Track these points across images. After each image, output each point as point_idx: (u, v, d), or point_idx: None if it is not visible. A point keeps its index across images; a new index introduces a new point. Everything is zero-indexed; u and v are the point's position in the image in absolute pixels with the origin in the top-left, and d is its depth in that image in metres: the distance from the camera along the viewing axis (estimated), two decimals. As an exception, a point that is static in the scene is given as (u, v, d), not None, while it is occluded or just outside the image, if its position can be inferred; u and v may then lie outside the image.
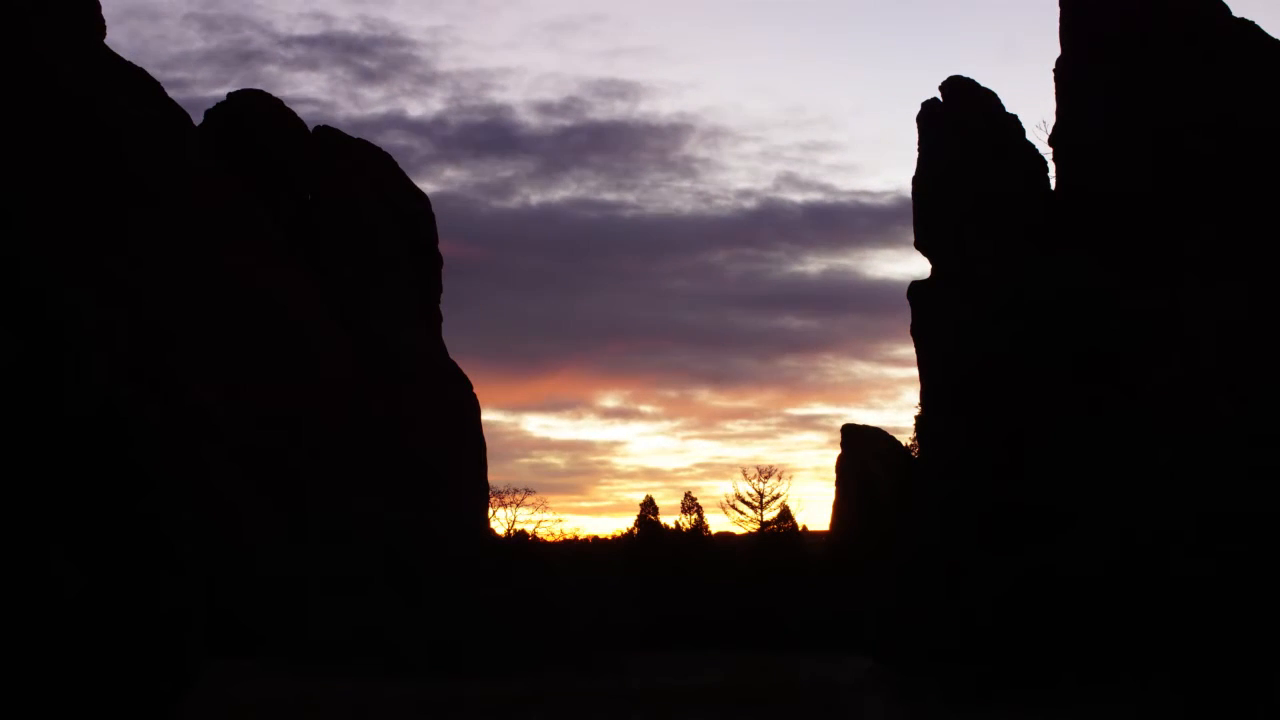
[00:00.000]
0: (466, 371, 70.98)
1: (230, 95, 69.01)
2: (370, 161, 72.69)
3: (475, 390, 70.77)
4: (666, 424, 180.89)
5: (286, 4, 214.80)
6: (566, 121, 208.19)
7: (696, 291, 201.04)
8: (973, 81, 47.46)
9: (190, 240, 55.65)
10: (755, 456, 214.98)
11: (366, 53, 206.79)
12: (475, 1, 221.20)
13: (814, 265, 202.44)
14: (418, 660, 45.59)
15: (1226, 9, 40.75)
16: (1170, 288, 36.58)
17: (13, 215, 25.49)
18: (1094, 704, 30.95)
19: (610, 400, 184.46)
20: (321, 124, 72.20)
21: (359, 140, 73.99)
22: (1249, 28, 40.25)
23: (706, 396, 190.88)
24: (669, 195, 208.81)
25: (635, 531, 78.68)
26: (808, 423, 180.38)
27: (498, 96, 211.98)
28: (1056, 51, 43.65)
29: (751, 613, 65.74)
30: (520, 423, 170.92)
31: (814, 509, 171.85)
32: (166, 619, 23.06)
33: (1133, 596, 32.55)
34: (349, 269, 66.39)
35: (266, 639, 46.83)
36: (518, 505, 74.42)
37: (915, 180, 47.87)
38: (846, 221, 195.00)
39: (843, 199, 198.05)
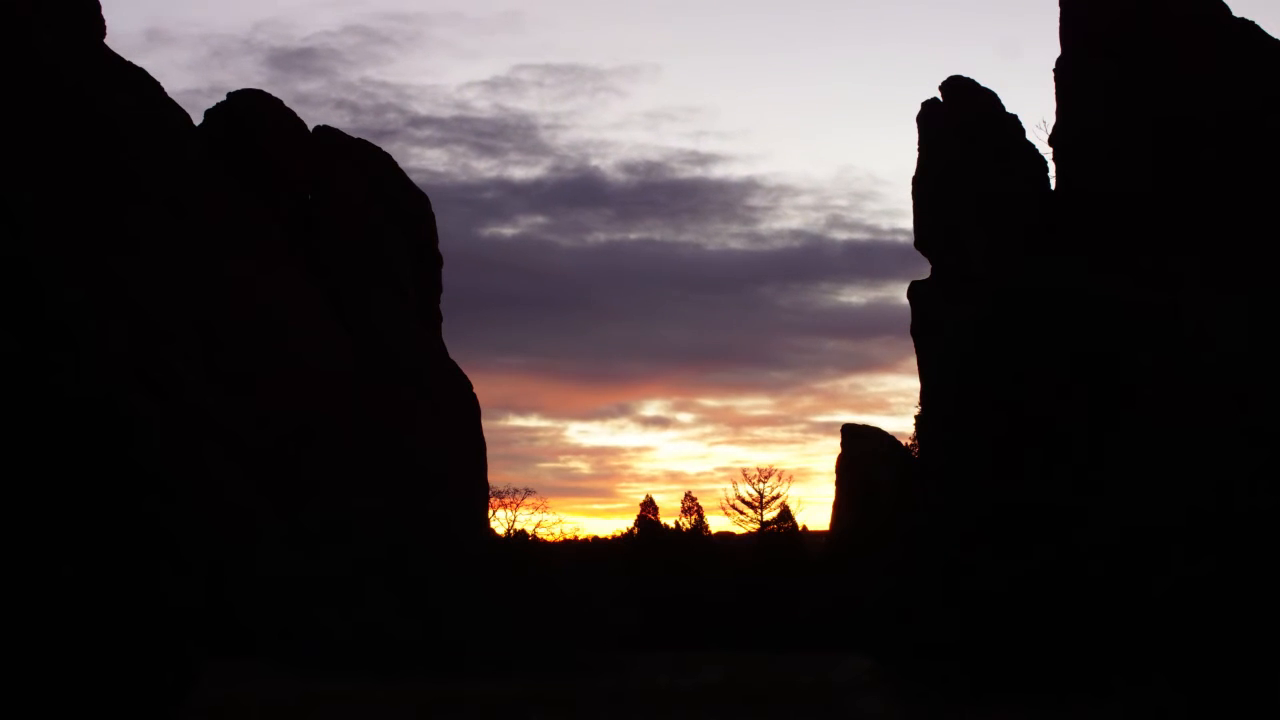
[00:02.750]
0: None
1: (230, 95, 68.86)
2: (370, 161, 72.65)
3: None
4: (696, 431, 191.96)
5: (435, 94, 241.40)
6: (647, 179, 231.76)
7: (746, 318, 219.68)
8: (973, 81, 47.50)
9: (190, 239, 55.66)
10: (777, 461, 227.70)
11: (489, 134, 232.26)
12: (595, 96, 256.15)
13: (856, 296, 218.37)
14: (418, 660, 45.61)
15: (1226, 9, 40.78)
16: (1170, 288, 36.58)
17: (13, 214, 25.50)
18: (1093, 704, 30.94)
19: (651, 409, 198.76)
20: (321, 125, 72.15)
21: (359, 140, 73.94)
22: (1249, 28, 40.28)
23: (741, 407, 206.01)
24: (727, 238, 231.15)
25: (635, 532, 78.70)
26: (833, 429, 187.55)
27: (592, 162, 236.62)
28: (1056, 51, 43.69)
29: (751, 612, 65.79)
30: (563, 429, 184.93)
31: (822, 510, 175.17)
32: (167, 619, 23.07)
33: (1132, 596, 32.55)
34: (349, 269, 66.39)
35: (266, 639, 46.82)
36: (517, 506, 74.37)
37: (915, 180, 47.89)
38: (886, 256, 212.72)
39: (884, 237, 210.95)
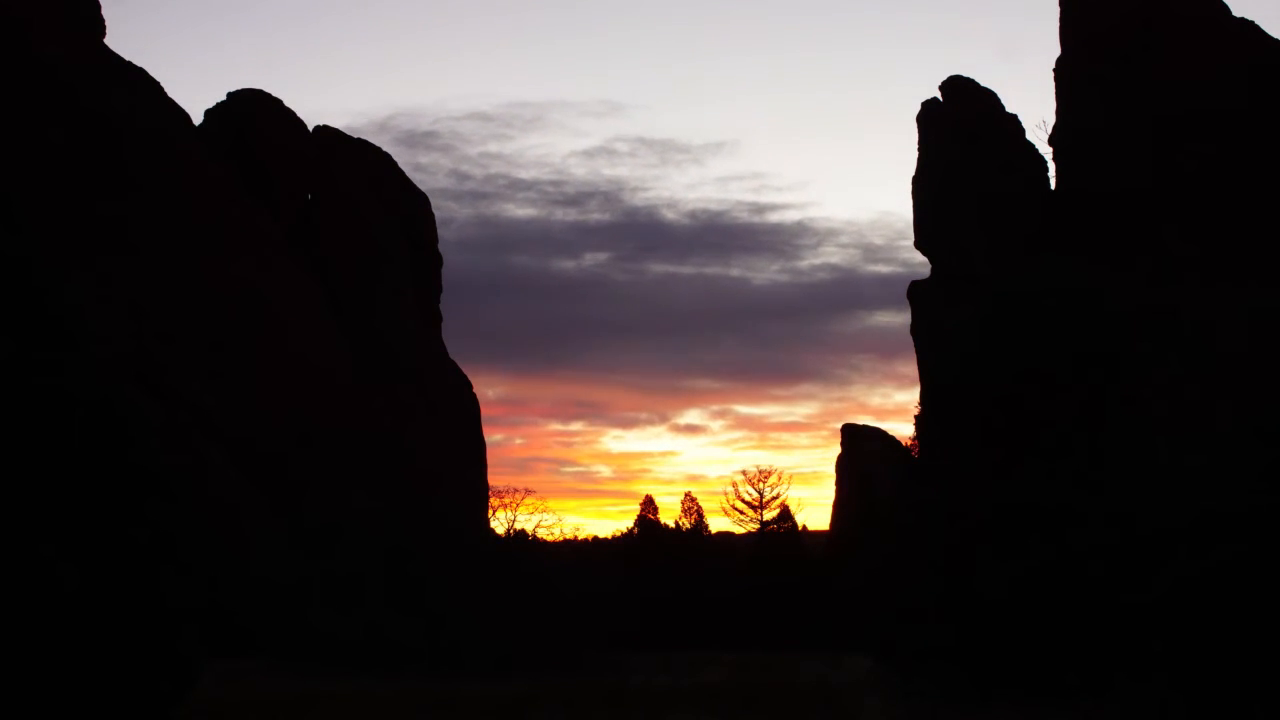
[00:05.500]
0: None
1: (230, 95, 68.78)
2: (370, 161, 72.63)
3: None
4: (724, 436, 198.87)
5: (540, 164, 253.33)
6: (708, 224, 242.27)
7: (785, 340, 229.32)
8: (973, 81, 47.53)
9: (190, 239, 55.65)
10: (795, 465, 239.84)
11: (576, 194, 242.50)
12: (680, 166, 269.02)
13: (889, 320, 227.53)
14: (418, 660, 45.61)
15: (1226, 9, 40.79)
16: (1170, 288, 36.58)
17: (13, 215, 25.50)
18: (1094, 704, 30.96)
19: (685, 419, 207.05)
20: (321, 124, 72.08)
21: (359, 140, 73.89)
22: (1249, 28, 40.28)
23: (770, 415, 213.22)
24: (773, 274, 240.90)
25: (635, 531, 78.66)
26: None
27: (661, 212, 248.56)
28: (1056, 51, 43.70)
29: (751, 612, 65.81)
30: (594, 435, 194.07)
31: (823, 511, 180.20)
32: (168, 619, 23.07)
33: (1133, 596, 32.55)
34: (348, 268, 66.36)
35: (266, 639, 46.83)
36: (517, 506, 74.40)
37: (915, 180, 47.91)
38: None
39: (916, 269, 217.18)
